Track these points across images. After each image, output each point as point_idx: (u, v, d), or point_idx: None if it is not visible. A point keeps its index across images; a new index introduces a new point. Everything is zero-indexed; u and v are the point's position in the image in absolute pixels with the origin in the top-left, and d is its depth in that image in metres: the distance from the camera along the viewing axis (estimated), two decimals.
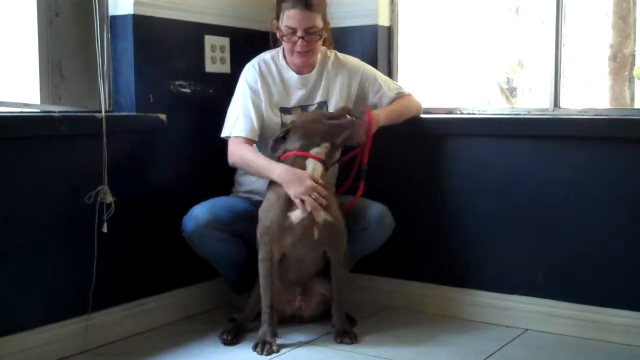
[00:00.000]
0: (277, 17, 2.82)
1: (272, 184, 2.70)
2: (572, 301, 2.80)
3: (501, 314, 2.94)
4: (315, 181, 2.61)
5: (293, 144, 2.70)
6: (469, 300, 3.01)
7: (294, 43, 2.77)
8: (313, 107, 2.90)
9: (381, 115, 2.88)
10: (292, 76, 2.88)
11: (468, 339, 2.79)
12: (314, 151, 2.69)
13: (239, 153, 2.77)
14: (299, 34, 2.75)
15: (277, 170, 2.64)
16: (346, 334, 2.72)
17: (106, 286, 2.69)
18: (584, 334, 2.76)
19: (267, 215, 2.64)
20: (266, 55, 2.93)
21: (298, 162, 2.67)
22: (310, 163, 2.67)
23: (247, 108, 2.82)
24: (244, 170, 2.89)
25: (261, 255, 2.66)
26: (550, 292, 2.85)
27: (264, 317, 2.67)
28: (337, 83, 2.92)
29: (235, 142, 2.79)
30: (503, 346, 2.70)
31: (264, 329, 2.65)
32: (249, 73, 2.88)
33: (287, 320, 2.87)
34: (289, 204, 2.61)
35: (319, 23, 2.77)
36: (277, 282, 2.71)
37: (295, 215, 2.61)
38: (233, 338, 2.72)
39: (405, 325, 2.94)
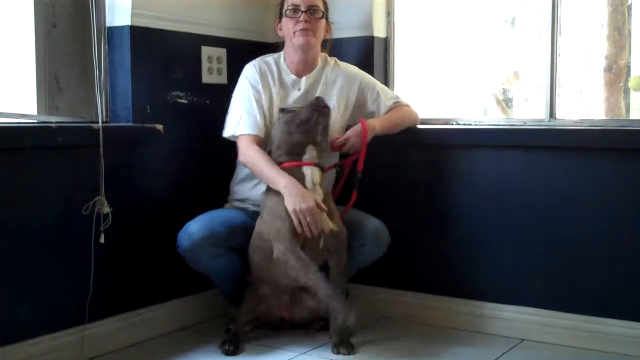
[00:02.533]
0: (281, 7, 2.88)
1: (268, 191, 2.71)
2: (569, 311, 2.80)
3: (498, 324, 2.94)
4: (319, 206, 2.61)
5: (283, 157, 2.72)
6: (466, 311, 3.01)
7: (297, 20, 2.82)
8: None
9: (376, 124, 2.89)
10: (290, 78, 2.90)
11: (465, 349, 2.78)
12: (306, 158, 2.71)
13: (250, 154, 2.76)
14: (303, 8, 2.81)
15: (283, 181, 2.63)
16: (343, 345, 2.71)
17: (103, 297, 2.68)
18: (581, 344, 2.76)
19: (274, 219, 2.65)
20: (268, 57, 2.95)
21: (296, 173, 2.68)
22: (308, 170, 2.69)
23: (250, 105, 2.83)
24: (241, 177, 2.91)
25: (285, 245, 2.62)
26: (547, 302, 2.85)
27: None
28: (335, 88, 2.94)
29: (244, 141, 2.79)
30: (500, 356, 2.70)
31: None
32: (250, 72, 2.90)
33: (276, 324, 2.89)
34: None
35: (321, 6, 2.86)
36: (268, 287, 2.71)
37: None
38: (235, 348, 2.71)
39: (402, 335, 2.94)
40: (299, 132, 2.70)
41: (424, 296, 3.11)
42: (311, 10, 2.83)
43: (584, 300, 2.78)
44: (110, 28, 2.82)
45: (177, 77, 3.00)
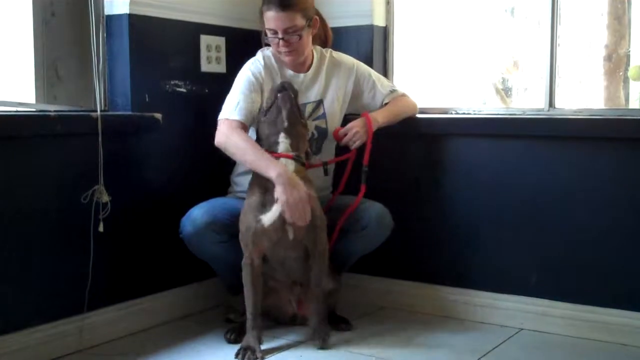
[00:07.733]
0: (263, 22, 2.82)
1: (251, 186, 2.66)
2: (567, 301, 2.81)
3: (496, 314, 2.95)
4: (310, 197, 2.56)
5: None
6: (464, 300, 3.02)
7: (277, 44, 2.78)
8: (308, 106, 2.89)
9: (379, 117, 2.89)
10: (289, 74, 2.89)
11: (463, 338, 2.79)
12: (281, 149, 2.62)
13: (229, 134, 2.65)
14: (280, 35, 2.74)
15: (276, 170, 2.54)
16: (316, 335, 2.66)
17: (102, 285, 2.69)
18: (578, 334, 2.77)
19: (243, 219, 2.61)
20: (267, 51, 2.91)
21: None
22: (282, 162, 2.60)
23: (247, 95, 2.75)
24: (242, 170, 2.89)
25: (243, 260, 2.63)
26: (544, 291, 2.86)
27: (248, 323, 2.62)
28: (333, 82, 2.94)
29: (228, 124, 2.69)
30: (498, 345, 2.70)
31: (248, 336, 2.61)
32: (254, 65, 2.85)
33: (289, 321, 2.88)
34: (261, 208, 2.57)
35: (299, 22, 2.74)
36: (260, 285, 2.66)
37: (267, 218, 2.56)
38: (237, 337, 2.70)
39: (401, 325, 2.94)
40: (265, 120, 2.65)
41: (423, 286, 3.12)
42: (287, 33, 2.74)
43: (582, 290, 2.78)
44: (108, 16, 2.81)
45: (176, 65, 3.00)
